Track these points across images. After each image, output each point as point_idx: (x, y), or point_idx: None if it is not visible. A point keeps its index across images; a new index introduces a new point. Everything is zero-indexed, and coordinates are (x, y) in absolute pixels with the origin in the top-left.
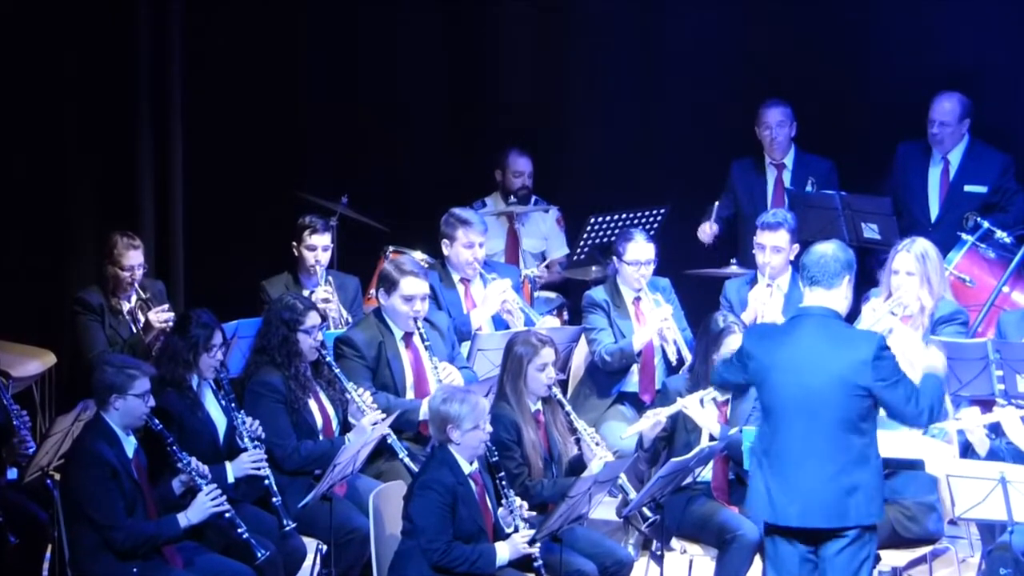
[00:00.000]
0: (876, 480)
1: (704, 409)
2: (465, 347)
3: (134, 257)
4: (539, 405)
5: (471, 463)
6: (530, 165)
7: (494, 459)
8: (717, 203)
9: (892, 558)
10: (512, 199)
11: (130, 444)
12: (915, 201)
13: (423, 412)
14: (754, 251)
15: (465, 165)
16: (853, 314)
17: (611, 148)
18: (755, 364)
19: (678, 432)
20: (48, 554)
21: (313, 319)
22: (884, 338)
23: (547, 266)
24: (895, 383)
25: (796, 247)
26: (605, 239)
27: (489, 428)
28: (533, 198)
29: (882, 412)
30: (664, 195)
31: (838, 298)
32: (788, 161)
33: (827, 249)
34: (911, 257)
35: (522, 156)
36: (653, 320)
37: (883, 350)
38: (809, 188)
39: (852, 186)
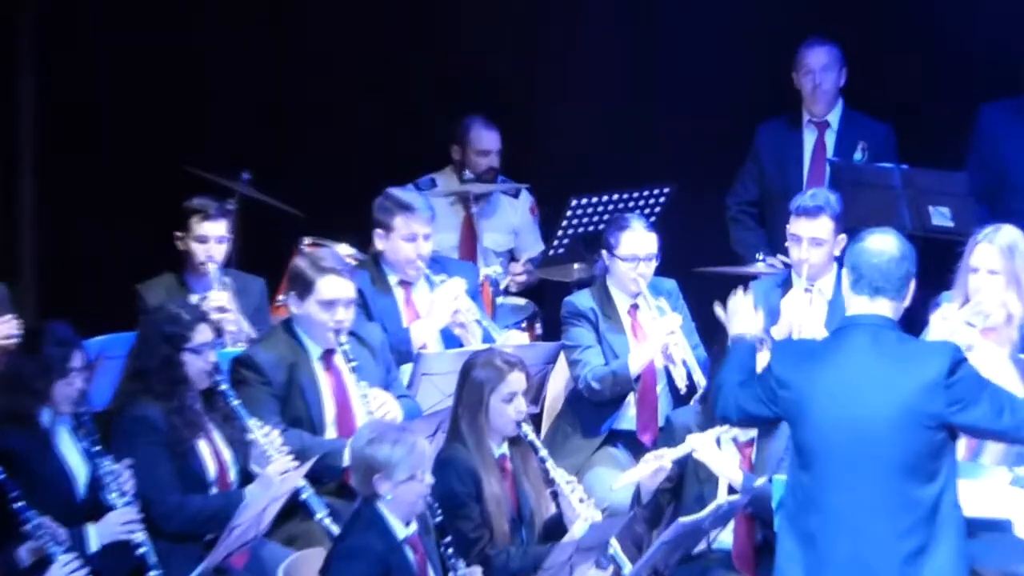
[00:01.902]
0: (955, 541)
1: (721, 451)
2: (406, 371)
3: None
4: (505, 448)
5: (407, 524)
6: (498, 141)
7: (438, 519)
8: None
9: None
10: (467, 175)
11: None
12: (1012, 177)
13: (348, 455)
14: (787, 244)
15: (409, 133)
16: (911, 324)
17: (599, 114)
18: (789, 393)
19: (687, 482)
20: None
21: (203, 334)
22: (959, 348)
23: (520, 265)
24: (976, 399)
25: (842, 238)
26: (591, 228)
27: (430, 479)
28: (499, 178)
29: (960, 451)
30: (668, 172)
31: (899, 308)
32: (833, 119)
33: (888, 246)
34: (994, 250)
35: (488, 129)
36: (655, 335)
37: (959, 364)
38: (858, 156)
39: (914, 159)
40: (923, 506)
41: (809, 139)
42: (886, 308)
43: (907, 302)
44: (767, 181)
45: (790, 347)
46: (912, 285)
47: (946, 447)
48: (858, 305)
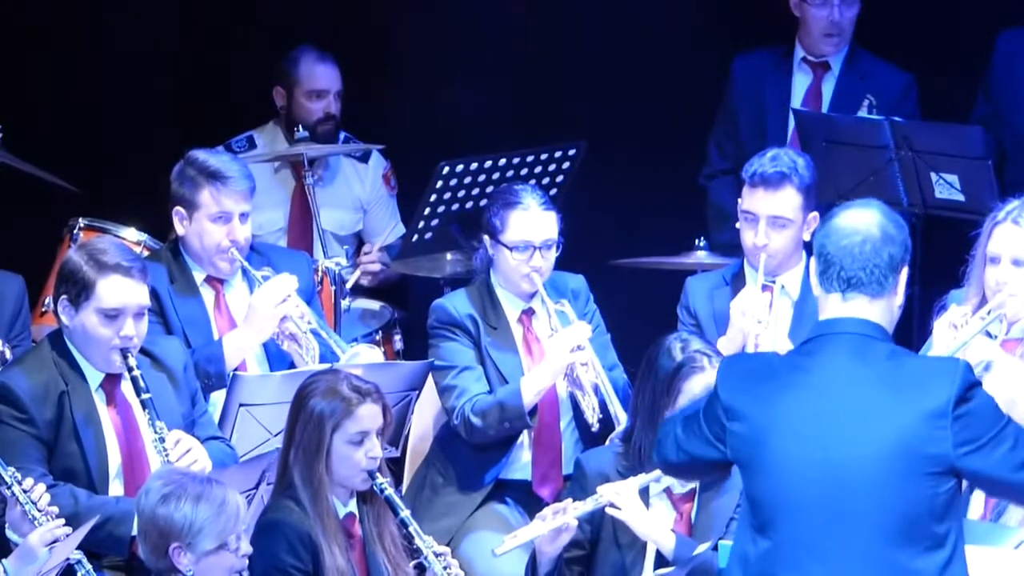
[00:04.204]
0: None
1: (649, 507)
2: (217, 401)
3: None
4: (353, 506)
5: None
6: (338, 79)
7: None
8: None
9: None
10: (300, 132)
11: None
12: None
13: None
14: (739, 225)
15: (216, 78)
16: (907, 334)
17: (479, 48)
18: (740, 427)
19: (603, 548)
20: None
21: None
22: (971, 369)
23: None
24: (994, 440)
25: (813, 218)
26: (469, 204)
27: (248, 548)
28: (342, 135)
29: (972, 510)
30: (574, 128)
31: (885, 308)
32: (835, 61)
33: (864, 221)
34: (1020, 234)
35: (323, 63)
36: (556, 351)
37: (972, 389)
38: (865, 112)
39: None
40: None
41: (801, 84)
42: (866, 309)
43: (900, 299)
44: (743, 138)
45: (740, 364)
46: (903, 275)
47: (954, 504)
48: (831, 306)
